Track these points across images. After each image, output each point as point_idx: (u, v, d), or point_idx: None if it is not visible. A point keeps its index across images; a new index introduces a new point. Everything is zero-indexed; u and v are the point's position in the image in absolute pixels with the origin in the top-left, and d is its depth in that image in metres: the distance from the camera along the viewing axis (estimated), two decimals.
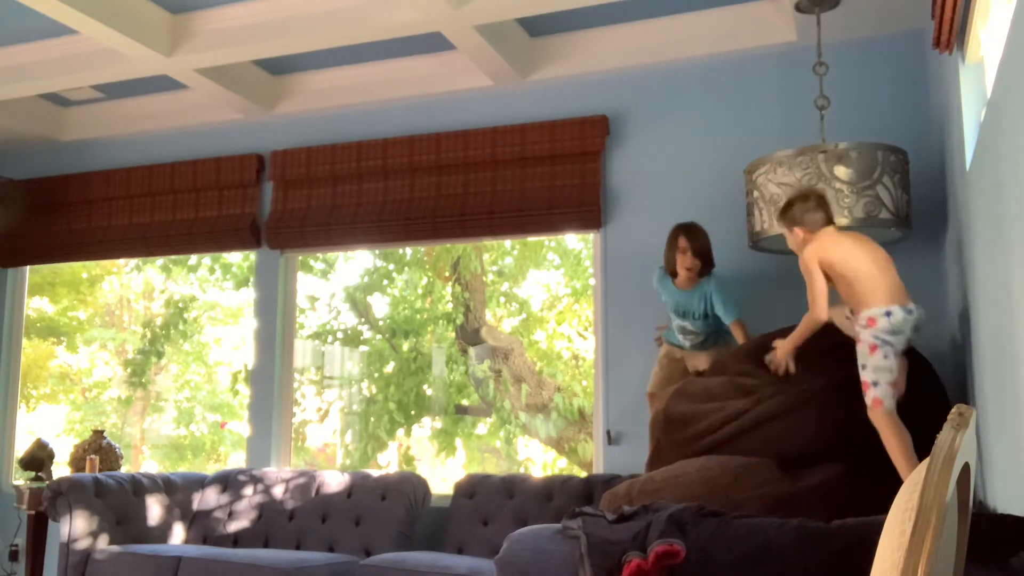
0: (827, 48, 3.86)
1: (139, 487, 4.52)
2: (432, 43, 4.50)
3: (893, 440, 2.72)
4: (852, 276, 2.88)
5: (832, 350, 3.08)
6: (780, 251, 3.84)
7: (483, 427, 7.99)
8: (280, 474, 4.66)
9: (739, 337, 3.62)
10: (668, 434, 3.24)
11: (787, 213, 3.10)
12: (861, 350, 2.82)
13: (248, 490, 4.62)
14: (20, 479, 5.14)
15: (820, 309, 2.94)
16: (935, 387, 3.12)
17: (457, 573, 3.57)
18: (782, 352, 3.11)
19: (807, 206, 3.06)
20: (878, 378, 2.77)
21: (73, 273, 9.00)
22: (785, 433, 2.94)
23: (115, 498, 4.38)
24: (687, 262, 3.67)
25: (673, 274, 3.76)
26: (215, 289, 9.13)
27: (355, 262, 8.28)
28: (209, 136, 5.37)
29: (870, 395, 2.78)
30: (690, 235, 3.70)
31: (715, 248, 3.80)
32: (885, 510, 1.15)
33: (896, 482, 2.48)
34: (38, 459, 4.94)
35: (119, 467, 5.03)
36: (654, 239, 4.32)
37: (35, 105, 5.48)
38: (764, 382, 3.16)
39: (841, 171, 3.40)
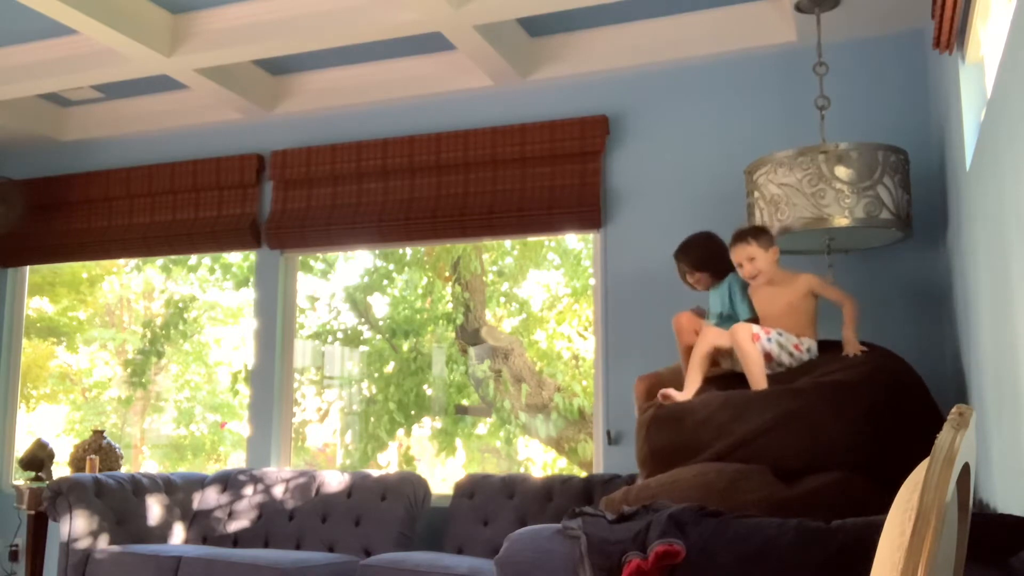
0: (827, 48, 3.86)
1: (139, 487, 4.52)
2: (432, 43, 4.50)
3: (752, 355, 3.20)
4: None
5: (807, 368, 3.22)
6: (780, 251, 3.83)
7: (483, 427, 7.99)
8: (280, 474, 4.66)
9: None
10: (659, 466, 3.20)
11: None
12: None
13: (248, 490, 4.62)
14: (20, 479, 5.14)
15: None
16: (925, 399, 3.12)
17: (457, 573, 3.57)
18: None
19: None
20: (771, 343, 3.27)
21: (73, 273, 9.00)
22: (778, 448, 2.93)
23: (115, 498, 4.38)
24: (693, 278, 3.70)
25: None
26: (215, 289, 9.14)
27: (355, 262, 8.28)
28: (209, 136, 5.37)
29: (759, 338, 3.25)
30: (679, 257, 3.72)
31: None
32: (883, 514, 1.15)
33: (895, 486, 2.48)
34: (38, 459, 4.94)
35: (119, 467, 5.03)
36: (654, 239, 4.33)
37: (35, 105, 5.48)
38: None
39: (841, 171, 3.40)
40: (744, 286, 3.57)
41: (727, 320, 3.61)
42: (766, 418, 2.96)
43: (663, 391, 3.30)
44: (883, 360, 3.15)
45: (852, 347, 3.22)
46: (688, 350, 3.51)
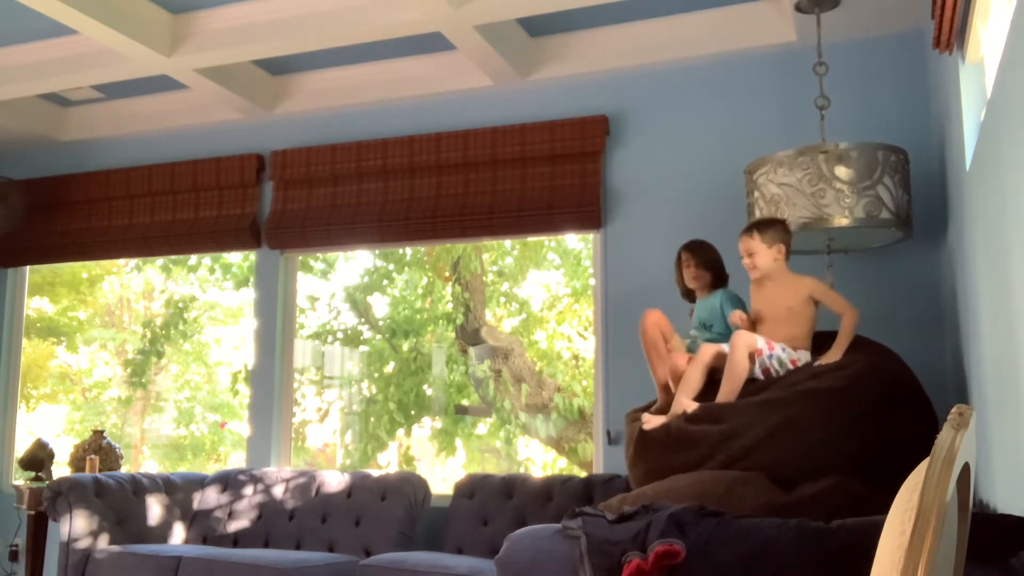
0: (827, 48, 3.86)
1: (139, 487, 4.52)
2: (432, 43, 4.50)
3: (741, 367, 3.16)
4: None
5: (794, 372, 3.21)
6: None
7: (483, 427, 7.99)
8: (280, 474, 4.66)
9: None
10: (653, 481, 3.18)
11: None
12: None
13: (248, 490, 4.62)
14: (20, 479, 5.14)
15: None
16: (918, 396, 3.12)
17: (457, 573, 3.57)
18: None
19: None
20: (772, 360, 3.23)
21: (73, 273, 8.99)
22: (772, 459, 2.92)
23: (115, 498, 4.38)
24: (691, 272, 3.64)
25: (688, 293, 3.74)
26: (215, 289, 9.14)
27: (355, 262, 8.28)
28: (209, 136, 5.37)
29: (762, 354, 3.21)
30: (692, 249, 3.68)
31: None
32: (883, 514, 1.15)
33: (892, 486, 2.48)
34: (38, 459, 4.94)
35: (119, 467, 5.03)
36: (654, 239, 4.34)
37: (35, 105, 5.48)
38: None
39: (841, 171, 3.41)
40: (734, 300, 3.55)
41: (709, 331, 3.60)
42: (758, 431, 2.95)
43: (645, 416, 3.27)
44: (875, 359, 3.13)
45: (828, 358, 3.17)
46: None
